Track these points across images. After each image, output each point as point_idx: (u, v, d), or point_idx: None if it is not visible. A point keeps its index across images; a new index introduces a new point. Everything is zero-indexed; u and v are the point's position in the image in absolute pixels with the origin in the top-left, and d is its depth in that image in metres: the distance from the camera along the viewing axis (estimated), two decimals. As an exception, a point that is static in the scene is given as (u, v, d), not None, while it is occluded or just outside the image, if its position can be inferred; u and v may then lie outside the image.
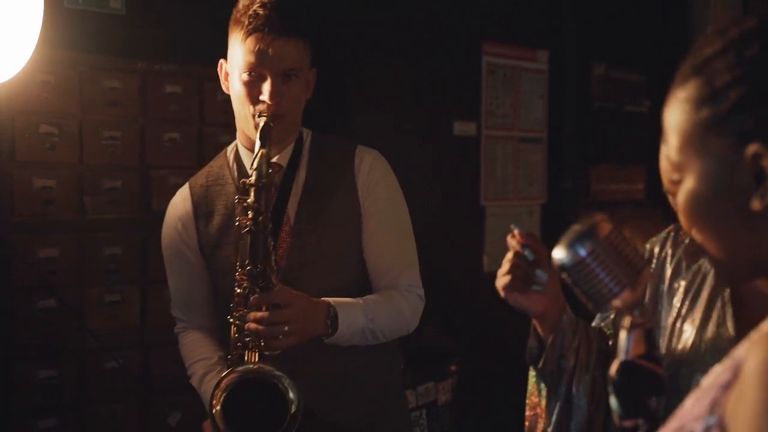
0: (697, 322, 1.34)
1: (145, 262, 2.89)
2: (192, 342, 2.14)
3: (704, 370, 1.26)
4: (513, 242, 1.39)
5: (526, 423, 1.53)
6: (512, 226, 1.40)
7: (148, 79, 2.91)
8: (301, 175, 2.03)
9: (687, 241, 1.42)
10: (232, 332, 1.88)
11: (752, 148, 0.86)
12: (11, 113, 2.60)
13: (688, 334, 1.34)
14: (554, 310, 1.43)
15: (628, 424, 1.12)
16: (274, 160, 1.95)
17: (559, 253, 1.13)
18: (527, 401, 1.54)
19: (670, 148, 0.97)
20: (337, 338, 1.90)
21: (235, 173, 2.05)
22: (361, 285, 2.05)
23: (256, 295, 1.82)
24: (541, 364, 1.46)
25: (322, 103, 3.32)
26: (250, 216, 1.83)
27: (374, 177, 2.04)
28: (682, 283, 1.39)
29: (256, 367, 1.82)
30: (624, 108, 4.80)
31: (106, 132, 2.82)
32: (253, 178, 1.83)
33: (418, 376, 3.28)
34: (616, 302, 1.12)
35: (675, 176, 0.97)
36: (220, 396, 1.82)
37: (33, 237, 2.67)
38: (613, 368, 1.12)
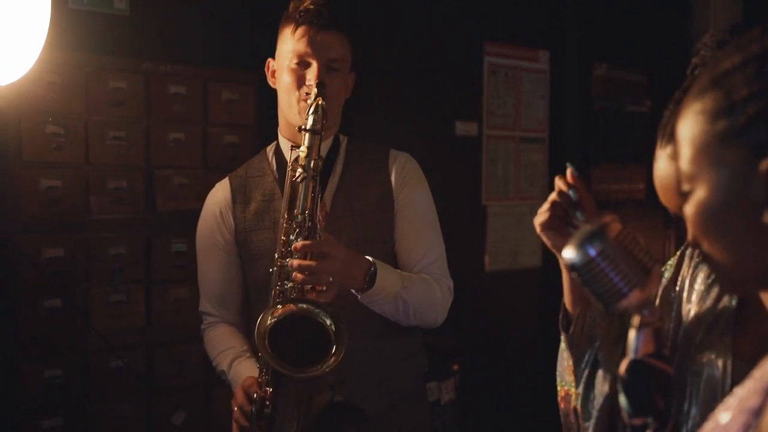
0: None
1: (150, 262, 2.91)
2: (220, 335, 2.18)
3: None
4: (560, 183, 1.40)
5: (561, 405, 1.52)
6: (568, 164, 1.42)
7: (153, 80, 2.93)
8: (338, 168, 2.13)
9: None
10: (273, 278, 1.92)
11: (767, 163, 0.87)
12: (18, 114, 2.62)
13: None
14: None
15: (637, 422, 1.13)
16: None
17: (569, 253, 1.14)
18: (558, 386, 1.53)
19: (682, 159, 0.98)
20: (371, 296, 1.95)
21: (274, 166, 2.14)
22: None
23: (302, 241, 1.86)
24: (571, 330, 1.46)
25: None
26: (302, 164, 1.89)
27: (407, 173, 2.15)
28: (698, 286, 1.40)
29: (306, 304, 1.86)
30: (625, 108, 4.82)
31: (111, 132, 2.84)
32: (309, 123, 1.91)
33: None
34: (626, 302, 1.13)
35: (686, 187, 0.98)
36: (269, 329, 1.84)
37: (38, 236, 2.69)
38: (623, 367, 1.14)
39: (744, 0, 5.01)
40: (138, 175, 2.91)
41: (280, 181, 2.11)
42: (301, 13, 2.04)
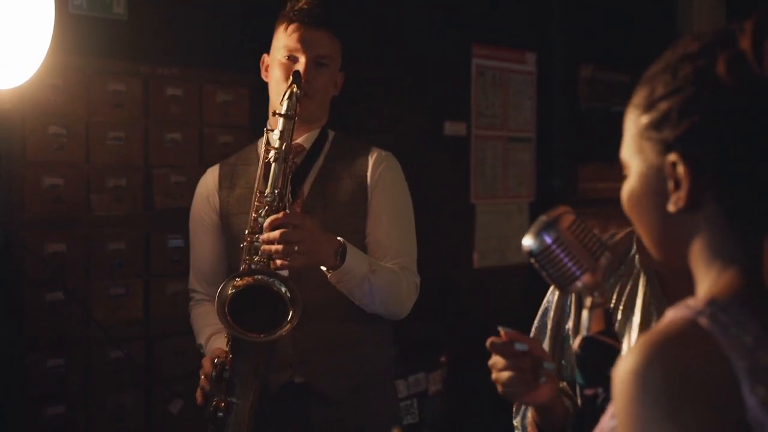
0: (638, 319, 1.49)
1: (148, 256, 2.96)
2: (204, 311, 2.25)
3: None
4: (496, 348, 1.43)
5: None
6: (499, 328, 1.43)
7: (151, 83, 2.98)
8: (320, 161, 2.22)
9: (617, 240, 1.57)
10: (242, 252, 2.00)
11: (671, 157, 0.97)
12: (22, 115, 2.66)
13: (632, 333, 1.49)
14: (553, 399, 1.46)
15: (589, 392, 1.25)
16: (299, 140, 2.17)
17: (527, 241, 1.27)
18: None
19: (622, 147, 1.08)
20: (341, 273, 2.01)
21: (262, 154, 2.17)
22: None
23: (272, 216, 1.94)
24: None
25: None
26: (274, 146, 2.01)
27: (385, 172, 2.22)
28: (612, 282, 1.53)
29: (262, 275, 1.96)
30: (611, 108, 4.88)
31: (111, 133, 2.89)
32: (283, 109, 2.02)
33: (410, 367, 3.37)
34: (578, 284, 1.25)
35: (625, 172, 1.09)
36: (229, 298, 1.94)
37: (42, 233, 2.74)
38: (576, 343, 1.26)
39: (728, 0, 5.09)
40: (137, 173, 2.96)
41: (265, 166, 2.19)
42: (295, 12, 2.16)
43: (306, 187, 2.18)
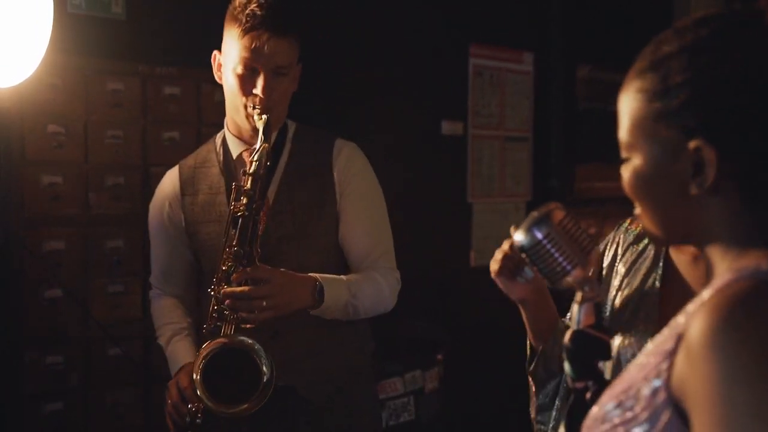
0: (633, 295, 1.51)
1: (146, 254, 2.96)
2: (164, 306, 2.25)
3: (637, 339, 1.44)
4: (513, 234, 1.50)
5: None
6: (513, 227, 1.50)
7: (149, 82, 3.00)
8: (282, 162, 2.13)
9: (628, 229, 1.59)
10: (210, 305, 1.98)
11: (694, 143, 0.99)
12: (21, 115, 2.68)
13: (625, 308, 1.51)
14: (534, 299, 1.58)
15: (579, 385, 1.27)
16: (256, 145, 2.05)
17: (519, 236, 1.29)
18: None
19: (621, 129, 1.10)
20: (322, 311, 2.01)
21: (221, 157, 2.17)
22: (337, 267, 2.14)
23: (240, 271, 1.93)
24: (531, 367, 1.61)
25: (311, 102, 3.45)
26: (244, 202, 1.94)
27: (352, 168, 2.15)
28: (621, 268, 1.55)
29: (234, 338, 1.94)
30: (609, 108, 4.87)
31: (109, 132, 2.91)
32: (252, 168, 1.96)
33: (406, 365, 3.37)
34: (569, 279, 1.27)
35: (624, 154, 1.10)
36: (200, 363, 1.93)
37: (41, 231, 2.76)
38: (567, 337, 1.27)
39: (725, 1, 5.12)
40: (135, 172, 2.98)
41: (226, 173, 2.14)
42: (249, 17, 2.00)
43: (271, 193, 2.10)
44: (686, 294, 1.24)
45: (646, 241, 1.55)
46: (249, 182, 1.96)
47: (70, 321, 2.81)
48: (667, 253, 1.50)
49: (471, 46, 4.25)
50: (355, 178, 2.15)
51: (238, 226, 1.94)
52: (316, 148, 2.17)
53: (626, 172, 1.09)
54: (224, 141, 2.20)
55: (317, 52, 3.48)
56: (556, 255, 1.26)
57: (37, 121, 2.75)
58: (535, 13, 4.56)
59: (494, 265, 1.55)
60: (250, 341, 1.94)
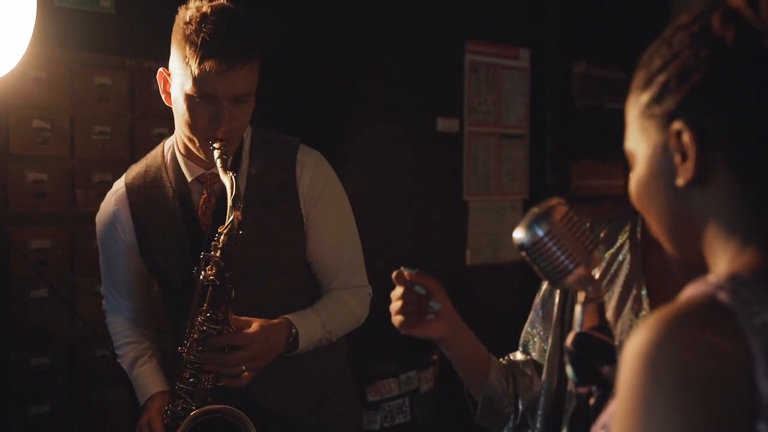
0: (612, 308, 1.46)
1: None
2: (120, 323, 2.17)
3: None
4: (400, 281, 1.47)
5: None
6: (402, 268, 1.47)
7: (137, 76, 2.97)
8: (242, 183, 1.97)
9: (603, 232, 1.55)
10: (183, 362, 1.89)
11: (675, 126, 0.92)
12: (5, 108, 2.65)
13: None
14: (453, 333, 1.52)
15: (582, 390, 1.21)
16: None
17: (519, 234, 1.22)
18: None
19: (627, 139, 1.03)
20: (297, 353, 1.97)
21: (173, 179, 2.01)
22: (305, 288, 2.09)
23: (216, 337, 1.85)
24: (478, 414, 1.60)
25: (307, 102, 3.41)
26: (214, 270, 1.82)
27: (318, 185, 2.03)
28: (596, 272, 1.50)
29: (223, 407, 1.88)
30: (604, 105, 4.88)
31: (96, 127, 2.88)
32: (221, 240, 1.80)
33: (401, 365, 3.36)
34: (571, 278, 1.20)
35: (632, 165, 1.03)
36: (187, 424, 1.87)
37: (26, 228, 2.72)
38: (569, 340, 1.21)
39: None
40: (122, 168, 2.84)
41: (179, 195, 2.00)
42: (203, 43, 1.77)
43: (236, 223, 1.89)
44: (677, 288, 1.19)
45: (618, 244, 1.52)
46: (219, 251, 1.81)
47: (56, 321, 2.78)
48: (644, 256, 1.46)
49: (467, 43, 4.22)
50: (322, 195, 2.04)
51: (208, 293, 1.84)
52: (276, 164, 2.02)
53: (631, 183, 1.03)
54: (175, 161, 2.03)
55: (312, 49, 3.45)
56: (558, 253, 1.20)
57: (21, 115, 2.71)
58: (531, 10, 4.54)
59: (397, 319, 1.47)
60: (242, 415, 1.87)
